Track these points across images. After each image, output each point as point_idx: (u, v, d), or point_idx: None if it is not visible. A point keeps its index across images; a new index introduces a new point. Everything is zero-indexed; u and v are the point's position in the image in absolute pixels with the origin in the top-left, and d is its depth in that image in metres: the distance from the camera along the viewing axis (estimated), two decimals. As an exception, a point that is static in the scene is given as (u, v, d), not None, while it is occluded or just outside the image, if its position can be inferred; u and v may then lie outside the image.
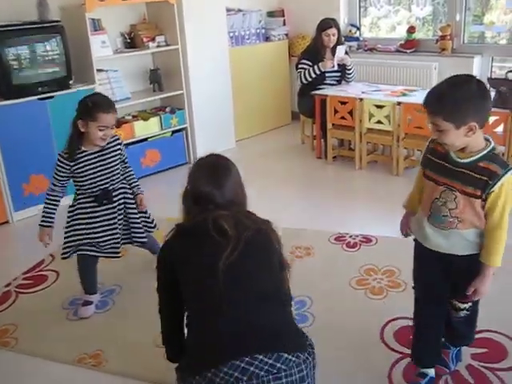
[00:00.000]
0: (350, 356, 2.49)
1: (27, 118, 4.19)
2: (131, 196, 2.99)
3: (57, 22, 4.26)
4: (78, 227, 2.87)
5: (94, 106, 2.71)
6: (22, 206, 4.28)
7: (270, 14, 6.34)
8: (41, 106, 4.24)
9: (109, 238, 2.88)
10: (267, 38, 6.20)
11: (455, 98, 1.81)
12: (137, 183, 3.07)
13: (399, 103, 4.49)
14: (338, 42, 5.10)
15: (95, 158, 2.82)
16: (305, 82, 5.16)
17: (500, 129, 4.11)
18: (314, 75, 5.10)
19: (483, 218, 1.96)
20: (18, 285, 3.29)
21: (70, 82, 4.40)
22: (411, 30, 5.63)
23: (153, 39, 5.01)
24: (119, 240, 2.92)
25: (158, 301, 2.00)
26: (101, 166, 2.83)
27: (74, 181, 2.87)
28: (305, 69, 5.13)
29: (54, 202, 2.89)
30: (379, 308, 2.83)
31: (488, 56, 5.29)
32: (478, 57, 5.27)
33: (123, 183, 2.97)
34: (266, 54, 6.11)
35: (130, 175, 3.04)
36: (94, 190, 2.84)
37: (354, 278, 3.11)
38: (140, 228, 3.01)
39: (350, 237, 3.60)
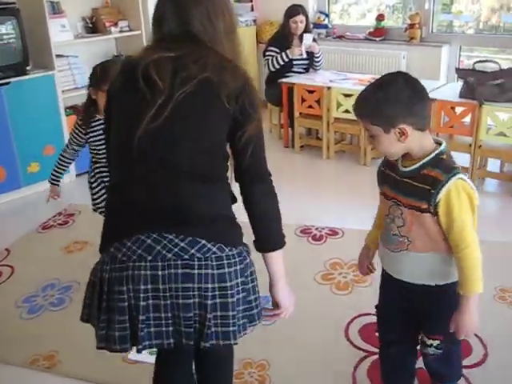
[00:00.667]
0: (314, 354, 2.43)
1: (-19, 106, 4.01)
2: None
3: (12, 3, 4.06)
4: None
5: (103, 75, 2.56)
6: (-23, 197, 4.11)
7: (238, 0, 6.20)
8: (-5, 93, 4.06)
9: None
10: (235, 24, 6.06)
11: (378, 100, 1.61)
12: None
13: (367, 92, 4.42)
14: (306, 30, 5.00)
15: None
16: (272, 69, 5.06)
17: (467, 119, 4.08)
18: (281, 62, 5.00)
19: (442, 239, 1.67)
20: (-30, 281, 3.14)
21: (27, 67, 4.22)
22: (380, 17, 5.57)
23: (115, 24, 4.84)
24: None
25: None
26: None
27: (90, 149, 2.86)
28: (272, 56, 5.03)
29: (64, 164, 2.94)
30: (344, 304, 2.77)
31: (456, 45, 5.27)
32: (447, 46, 5.25)
33: None
34: (234, 40, 5.98)
35: None
36: (99, 161, 2.82)
37: (319, 272, 3.05)
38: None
39: (316, 229, 3.54)
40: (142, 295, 1.43)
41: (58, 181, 2.96)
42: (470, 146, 4.03)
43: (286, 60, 5.00)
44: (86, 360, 2.44)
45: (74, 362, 2.44)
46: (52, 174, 2.95)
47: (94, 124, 2.73)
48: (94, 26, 4.83)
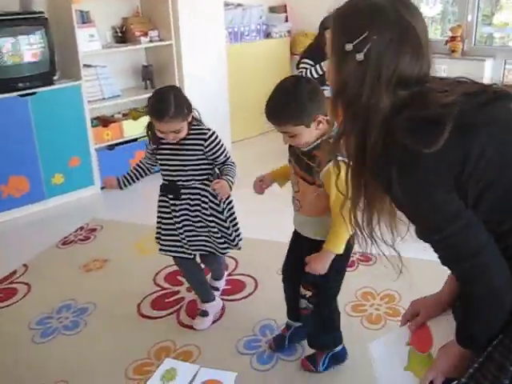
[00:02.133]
0: (342, 397, 2.22)
1: (6, 115, 3.90)
2: (212, 200, 2.55)
3: (40, 13, 3.98)
4: (158, 216, 2.67)
5: (150, 109, 2.44)
6: (1, 208, 4.01)
7: (272, 10, 6.04)
8: (21, 103, 3.95)
9: (169, 234, 2.60)
10: (268, 35, 5.90)
11: (297, 102, 1.88)
12: (229, 172, 2.52)
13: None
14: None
15: (171, 149, 2.51)
16: (308, 82, 4.87)
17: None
18: (316, 75, 4.81)
19: (325, 208, 2.01)
20: (-15, 299, 3.02)
21: (54, 77, 4.13)
22: (420, 30, 5.32)
23: (145, 34, 4.71)
24: (180, 241, 2.58)
25: None
26: (174, 158, 2.52)
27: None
28: (306, 68, 4.84)
29: (139, 170, 2.70)
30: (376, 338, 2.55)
31: (501, 59, 5.00)
32: (490, 60, 4.98)
33: (203, 184, 2.54)
34: (266, 51, 5.81)
35: (225, 167, 2.54)
36: (166, 180, 2.61)
37: (349, 302, 2.84)
38: (213, 239, 2.58)
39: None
40: None
41: (125, 182, 2.67)
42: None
43: (321, 73, 4.80)
44: (96, 392, 2.29)
45: (84, 395, 2.28)
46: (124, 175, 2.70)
47: (160, 142, 2.52)
48: (123, 36, 4.72)
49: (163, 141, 2.48)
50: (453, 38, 5.10)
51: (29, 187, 4.12)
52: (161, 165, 2.58)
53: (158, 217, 2.63)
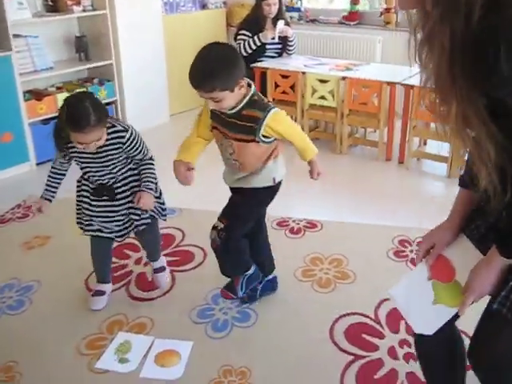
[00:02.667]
0: (297, 359, 2.25)
1: None
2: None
3: (-37, -21, 3.75)
4: (83, 205, 2.54)
5: (67, 119, 2.19)
6: None
7: (207, -20, 5.95)
8: None
9: (109, 225, 2.51)
10: (204, 6, 5.81)
11: (223, 69, 1.98)
12: (148, 178, 2.45)
13: (344, 78, 4.26)
14: (280, 13, 4.79)
15: (87, 155, 2.36)
16: (244, 54, 4.83)
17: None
18: (254, 47, 4.79)
19: (267, 155, 2.23)
20: None
21: (-18, 48, 3.91)
22: (355, 1, 5.39)
23: (78, 3, 4.53)
24: (121, 227, 2.52)
25: None
26: (96, 163, 2.39)
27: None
28: (244, 40, 4.80)
29: (55, 176, 2.52)
30: (327, 302, 2.61)
31: (432, 30, 5.12)
32: (423, 31, 5.09)
33: (133, 175, 2.48)
34: (203, 22, 5.71)
35: (143, 169, 2.47)
36: (93, 182, 2.47)
37: (298, 268, 2.88)
38: (141, 213, 2.51)
39: (294, 221, 3.37)
40: None
41: (51, 195, 2.52)
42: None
43: (259, 44, 4.78)
44: (48, 371, 2.22)
45: (36, 374, 2.20)
46: (44, 189, 2.52)
47: (70, 151, 2.39)
48: (54, 5, 4.51)
49: (71, 150, 2.37)
50: (387, 10, 5.18)
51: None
52: (84, 171, 2.46)
53: (80, 201, 2.55)
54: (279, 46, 4.97)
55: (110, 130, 2.32)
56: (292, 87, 4.51)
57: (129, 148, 2.38)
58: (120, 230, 2.52)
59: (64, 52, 4.78)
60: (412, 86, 3.97)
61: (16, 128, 4.18)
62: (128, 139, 2.36)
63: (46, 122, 4.40)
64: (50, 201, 2.51)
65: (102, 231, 2.52)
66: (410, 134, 4.13)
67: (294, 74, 4.48)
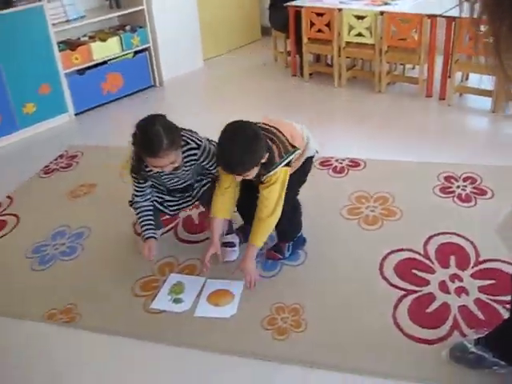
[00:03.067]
0: (348, 295, 2.27)
1: (-33, 42, 3.70)
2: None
3: None
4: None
5: (140, 145, 2.19)
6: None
7: None
8: (-18, 28, 3.74)
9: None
10: None
11: (250, 157, 2.07)
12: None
13: (382, 13, 4.12)
14: None
15: (171, 174, 2.40)
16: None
17: None
18: None
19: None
20: (-26, 232, 2.95)
21: (14, -1, 3.88)
22: None
23: None
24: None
25: None
26: (172, 180, 2.46)
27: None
28: None
29: (145, 210, 2.46)
30: (375, 239, 2.60)
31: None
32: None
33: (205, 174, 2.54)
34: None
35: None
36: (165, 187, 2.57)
37: (344, 206, 2.87)
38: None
39: (336, 161, 3.34)
40: None
41: (153, 232, 2.46)
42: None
43: None
44: (105, 312, 2.29)
45: (94, 315, 2.28)
46: (141, 229, 2.46)
47: (148, 174, 2.40)
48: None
49: (149, 173, 2.37)
50: None
51: (0, 119, 3.96)
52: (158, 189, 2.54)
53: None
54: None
55: (184, 149, 2.29)
56: (327, 25, 4.39)
57: (202, 163, 2.39)
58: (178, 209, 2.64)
59: (94, 0, 4.72)
60: (454, 18, 3.81)
61: (53, 79, 4.19)
62: (201, 156, 2.35)
63: (81, 72, 4.40)
64: (156, 238, 2.46)
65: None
66: (452, 69, 4.00)
67: (329, 11, 4.34)
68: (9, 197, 3.27)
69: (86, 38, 4.54)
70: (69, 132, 4.20)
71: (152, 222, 2.46)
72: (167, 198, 2.58)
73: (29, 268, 2.61)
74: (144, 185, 2.44)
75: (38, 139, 4.09)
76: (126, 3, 4.65)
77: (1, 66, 3.85)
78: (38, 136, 4.13)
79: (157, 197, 2.55)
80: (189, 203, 2.61)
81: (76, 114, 4.40)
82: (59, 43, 4.27)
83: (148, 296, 2.35)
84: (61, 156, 3.75)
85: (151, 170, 2.33)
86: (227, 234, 2.61)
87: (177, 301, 2.31)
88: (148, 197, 2.48)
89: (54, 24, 4.15)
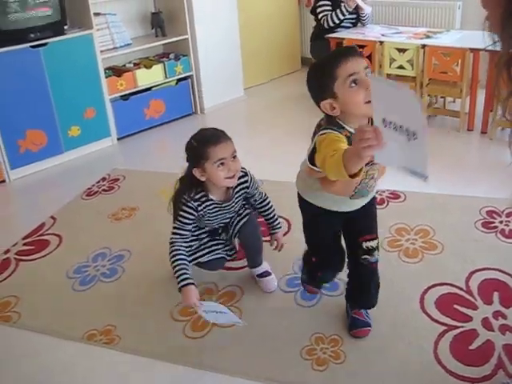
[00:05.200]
0: (389, 329, 2.24)
1: (19, 68, 3.82)
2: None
3: (48, -40, 3.85)
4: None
5: (202, 141, 2.23)
6: (19, 163, 3.97)
7: (279, -49, 5.87)
8: (34, 54, 3.86)
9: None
10: (276, -21, 5.76)
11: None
12: (276, 216, 2.56)
13: (424, 46, 4.13)
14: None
15: (222, 207, 2.37)
16: (332, 25, 4.78)
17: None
18: (341, 17, 4.74)
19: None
20: (18, 251, 3.01)
21: (65, 27, 4.02)
22: (432, -35, 5.19)
23: (153, -21, 4.60)
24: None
25: None
26: (225, 213, 2.41)
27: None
28: (327, 11, 4.74)
29: (183, 258, 2.28)
30: (416, 273, 2.57)
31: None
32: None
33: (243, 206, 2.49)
34: (274, -5, 5.68)
35: (268, 207, 2.54)
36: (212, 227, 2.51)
37: (385, 238, 2.85)
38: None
39: (377, 192, 3.31)
40: None
41: (191, 277, 2.23)
42: None
43: (346, 14, 4.71)
44: (145, 335, 2.31)
45: (133, 337, 2.29)
46: (179, 276, 2.21)
47: (206, 204, 2.33)
48: (131, -18, 4.60)
49: (207, 204, 2.32)
50: (467, -27, 4.96)
51: (46, 141, 4.07)
52: (206, 222, 2.43)
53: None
54: (354, 16, 4.88)
55: None
56: (369, 57, 4.42)
57: (251, 190, 2.42)
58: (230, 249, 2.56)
59: (140, 28, 4.87)
60: (497, 52, 3.80)
61: (98, 104, 4.31)
62: (250, 182, 2.38)
63: (125, 97, 4.51)
64: (195, 285, 2.22)
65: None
66: (494, 103, 3.97)
67: (371, 44, 4.38)
68: (52, 217, 3.34)
69: (132, 65, 4.66)
70: (111, 156, 4.30)
71: (188, 268, 2.27)
72: (211, 243, 2.50)
73: (70, 288, 2.66)
74: (191, 224, 2.34)
75: (82, 162, 4.19)
76: (171, 32, 4.77)
77: (50, 90, 3.98)
78: (81, 159, 4.23)
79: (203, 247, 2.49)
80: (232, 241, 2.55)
81: (119, 139, 4.50)
82: (106, 69, 4.40)
83: (187, 321, 2.36)
84: (103, 179, 3.83)
85: (203, 198, 2.30)
86: (257, 266, 2.56)
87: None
88: (187, 240, 2.36)
89: (101, 51, 4.29)
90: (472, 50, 3.97)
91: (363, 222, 2.10)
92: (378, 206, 3.12)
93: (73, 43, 4.07)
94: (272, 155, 3.96)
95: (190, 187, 2.30)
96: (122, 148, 4.43)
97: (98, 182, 3.80)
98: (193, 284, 2.19)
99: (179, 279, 2.19)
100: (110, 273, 2.75)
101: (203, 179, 2.26)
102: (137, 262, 2.82)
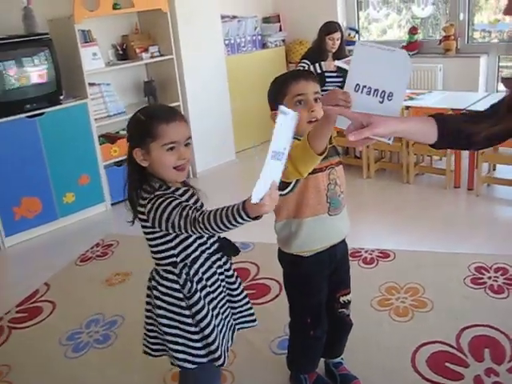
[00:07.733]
0: (381, 389, 2.25)
1: (15, 137, 3.95)
2: None
3: (45, 34, 4.02)
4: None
5: (149, 117, 1.66)
6: (14, 230, 4.02)
7: (266, 20, 6.12)
8: (30, 124, 3.99)
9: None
10: (264, 45, 5.98)
11: None
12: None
13: (407, 107, 4.28)
14: (341, 47, 4.86)
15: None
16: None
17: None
18: (314, 73, 4.87)
19: None
20: (11, 319, 3.02)
21: (61, 97, 4.16)
22: (413, 31, 5.43)
23: (146, 50, 4.78)
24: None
25: None
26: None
27: None
28: (303, 67, 4.89)
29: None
30: (406, 331, 2.59)
31: (494, 55, 5.09)
32: (485, 56, 5.07)
33: None
34: (263, 61, 5.85)
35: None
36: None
37: (375, 297, 2.88)
38: None
39: (366, 252, 3.37)
40: None
41: None
42: (521, 158, 3.85)
43: (319, 71, 4.84)
44: (137, 401, 2.30)
45: (126, 404, 2.29)
46: (227, 210, 1.54)
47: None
48: (124, 53, 4.78)
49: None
50: (446, 38, 5.19)
51: (41, 208, 4.14)
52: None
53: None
54: (340, 80, 5.04)
55: None
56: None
57: None
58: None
59: (134, 96, 5.02)
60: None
61: (92, 171, 4.40)
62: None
63: (119, 164, 4.61)
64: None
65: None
66: (478, 160, 4.08)
67: (356, 106, 4.52)
68: (46, 284, 3.37)
69: (125, 132, 4.76)
70: (105, 221, 4.35)
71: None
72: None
73: (63, 355, 2.66)
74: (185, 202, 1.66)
75: (76, 228, 4.24)
76: (164, 99, 4.92)
77: (45, 158, 4.08)
78: (76, 225, 4.29)
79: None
80: None
81: (112, 204, 4.56)
82: (100, 136, 4.52)
83: (179, 386, 2.36)
84: (97, 245, 3.87)
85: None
86: None
87: None
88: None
89: (96, 119, 4.42)
90: (454, 110, 4.10)
91: (340, 276, 2.16)
92: (367, 266, 3.23)
93: (68, 112, 4.21)
94: (264, 218, 3.98)
95: (144, 178, 1.71)
96: (115, 213, 4.49)
97: (92, 247, 3.84)
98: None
99: (230, 211, 1.53)
100: (103, 339, 2.76)
101: (144, 164, 1.68)
102: (130, 328, 2.83)
